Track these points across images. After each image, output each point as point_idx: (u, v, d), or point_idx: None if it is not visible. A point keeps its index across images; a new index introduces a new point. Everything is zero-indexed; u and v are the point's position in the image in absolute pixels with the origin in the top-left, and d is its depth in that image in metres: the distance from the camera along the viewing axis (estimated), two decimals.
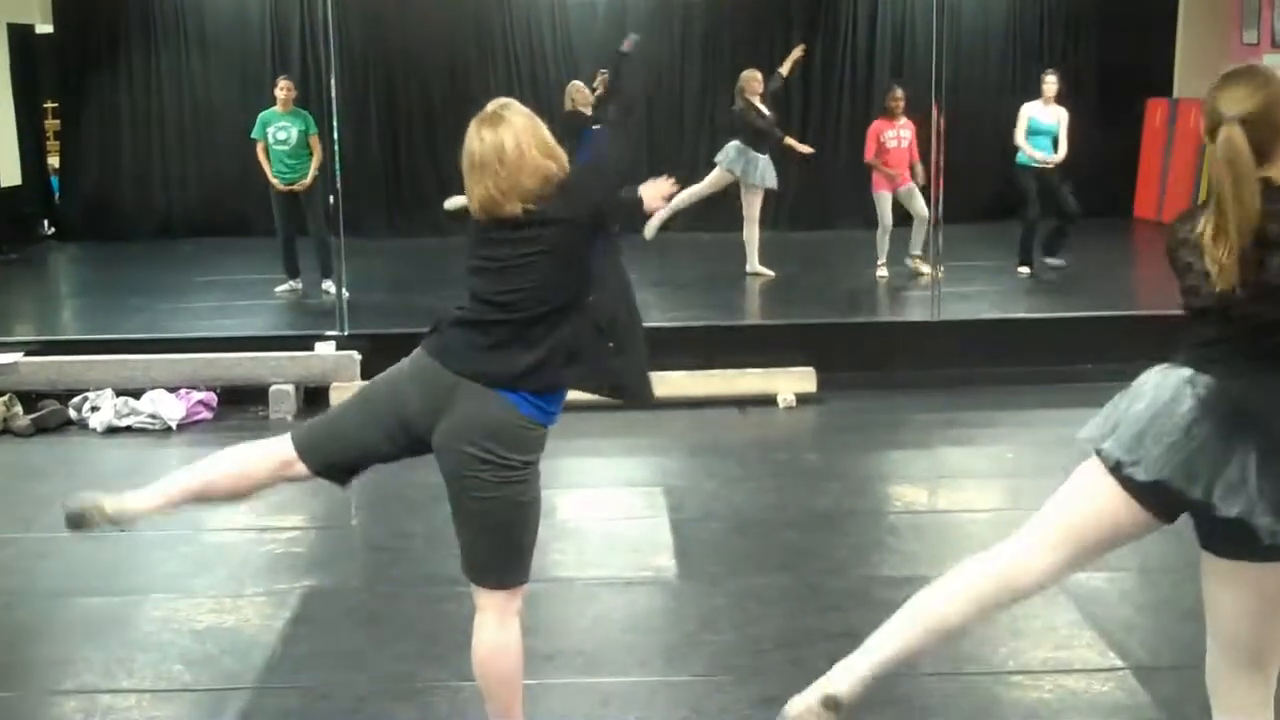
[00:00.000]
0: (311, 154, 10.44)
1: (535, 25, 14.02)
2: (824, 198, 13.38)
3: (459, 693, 4.24)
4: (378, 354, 8.33)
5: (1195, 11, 13.56)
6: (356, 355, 8.26)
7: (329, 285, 10.31)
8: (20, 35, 13.66)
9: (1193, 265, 2.82)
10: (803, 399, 8.13)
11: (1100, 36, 13.91)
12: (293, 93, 10.52)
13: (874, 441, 7.52)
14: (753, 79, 10.92)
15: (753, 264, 11.02)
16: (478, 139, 3.33)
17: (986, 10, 13.95)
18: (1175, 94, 13.53)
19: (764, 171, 10.86)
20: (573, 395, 3.43)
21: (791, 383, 8.19)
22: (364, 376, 8.21)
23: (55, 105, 14.56)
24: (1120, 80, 13.76)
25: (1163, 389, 2.79)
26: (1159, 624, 4.79)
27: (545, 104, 13.63)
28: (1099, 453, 2.86)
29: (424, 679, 4.38)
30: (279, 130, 10.36)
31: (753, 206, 10.96)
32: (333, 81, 9.05)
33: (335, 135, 9.07)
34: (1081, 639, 4.62)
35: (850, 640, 4.66)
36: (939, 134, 9.26)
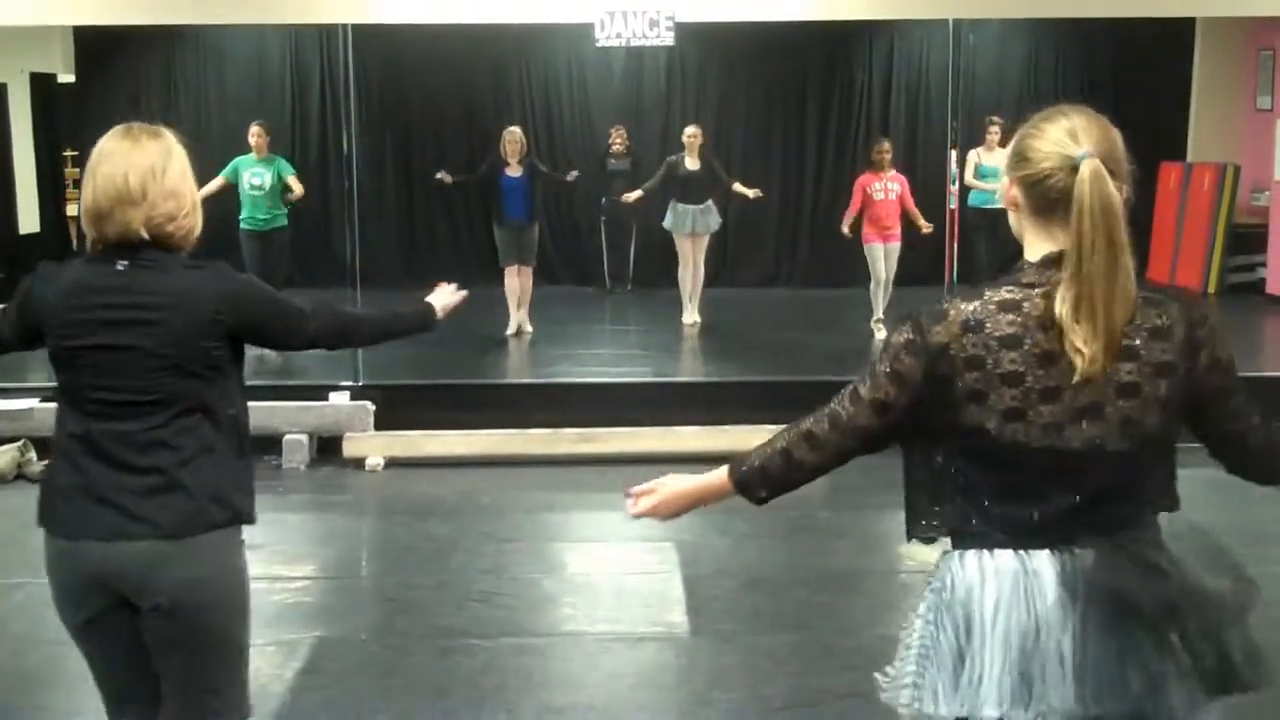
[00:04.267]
0: (288, 192, 10.39)
1: (552, 81, 14.10)
2: (838, 256, 13.41)
3: None
4: (392, 404, 8.37)
5: (1210, 77, 13.63)
6: (370, 405, 8.25)
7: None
8: (42, 84, 13.79)
9: (1022, 377, 2.05)
10: None
11: (1114, 100, 13.97)
12: (265, 139, 10.54)
13: (886, 500, 7.44)
14: (689, 135, 11.24)
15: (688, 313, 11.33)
16: None
17: (1001, 74, 14.03)
18: (1189, 158, 13.57)
19: (681, 220, 11.16)
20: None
21: None
22: (378, 427, 8.23)
23: (75, 154, 14.68)
24: (1134, 144, 13.77)
25: (1003, 600, 2.15)
26: None
27: (562, 156, 13.79)
28: None
29: None
30: (254, 176, 10.30)
31: (682, 251, 11.28)
32: (352, 132, 9.13)
33: (355, 185, 9.13)
34: None
35: (862, 701, 4.66)
36: (955, 195, 9.29)
